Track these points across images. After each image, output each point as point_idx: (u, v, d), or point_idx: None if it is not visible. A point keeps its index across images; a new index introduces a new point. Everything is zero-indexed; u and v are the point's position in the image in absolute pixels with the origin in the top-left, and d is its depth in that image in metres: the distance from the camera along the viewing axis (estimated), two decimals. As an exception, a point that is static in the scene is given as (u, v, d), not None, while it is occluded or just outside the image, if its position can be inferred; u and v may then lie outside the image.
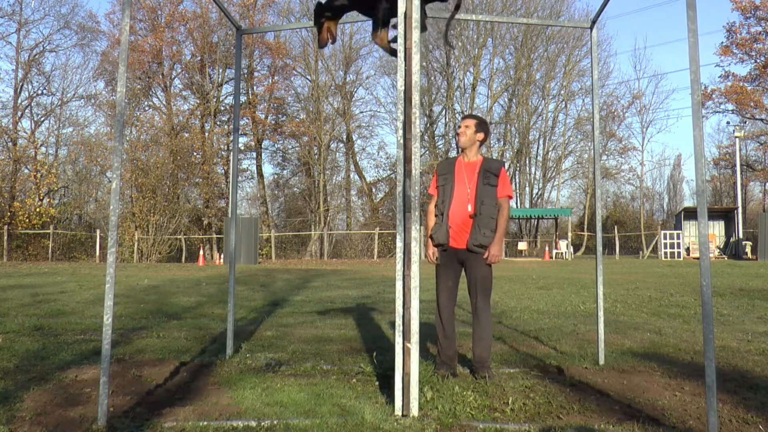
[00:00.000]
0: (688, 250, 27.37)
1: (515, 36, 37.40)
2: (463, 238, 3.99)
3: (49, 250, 26.22)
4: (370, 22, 3.73)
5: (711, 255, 21.33)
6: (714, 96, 36.69)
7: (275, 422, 2.96)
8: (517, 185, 40.80)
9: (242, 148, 34.24)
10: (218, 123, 34.73)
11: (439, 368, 4.00)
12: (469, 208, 3.99)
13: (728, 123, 35.87)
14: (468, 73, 37.96)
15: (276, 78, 35.35)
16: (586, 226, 38.49)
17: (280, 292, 10.29)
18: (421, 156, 2.91)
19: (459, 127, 4.17)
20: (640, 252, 33.66)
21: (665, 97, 70.29)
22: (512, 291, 10.10)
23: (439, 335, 4.04)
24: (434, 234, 4.07)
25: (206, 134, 32.92)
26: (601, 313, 4.28)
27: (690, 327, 6.06)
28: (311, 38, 36.27)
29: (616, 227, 32.77)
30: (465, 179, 4.06)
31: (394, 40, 3.57)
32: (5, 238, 25.76)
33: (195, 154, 31.32)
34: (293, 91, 37.56)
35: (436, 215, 4.14)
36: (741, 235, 27.49)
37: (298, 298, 9.14)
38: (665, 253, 26.42)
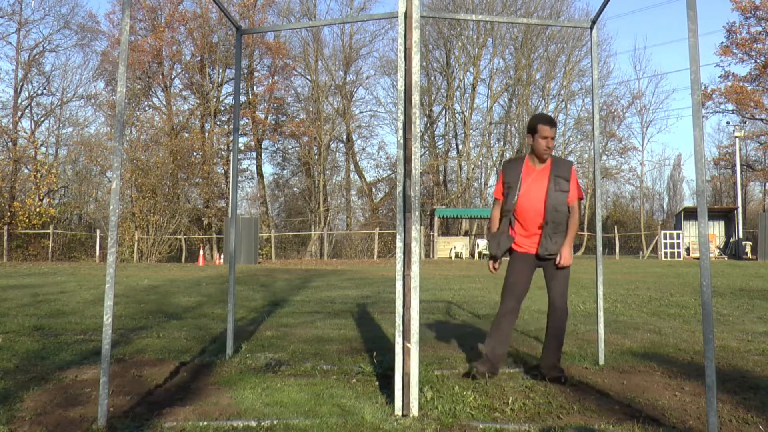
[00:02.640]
0: (688, 250, 27.36)
1: (515, 36, 37.45)
2: (533, 244, 3.90)
3: (49, 250, 26.21)
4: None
5: (711, 255, 21.33)
6: (714, 96, 36.73)
7: (275, 422, 2.96)
8: (517, 185, 40.77)
9: (242, 148, 34.24)
10: (218, 123, 34.77)
11: (481, 365, 3.86)
12: (540, 217, 3.85)
13: (728, 123, 35.91)
14: (468, 73, 38.04)
15: (276, 78, 35.42)
16: (586, 226, 38.45)
17: (280, 292, 10.29)
18: (421, 156, 2.90)
19: (546, 139, 3.91)
20: (640, 252, 33.65)
21: (665, 97, 70.68)
22: (512, 291, 10.09)
23: (493, 332, 3.90)
24: (490, 245, 3.98)
25: (206, 134, 32.94)
26: (601, 313, 4.28)
27: (690, 327, 6.06)
28: (311, 38, 36.34)
29: (616, 227, 32.75)
30: (535, 185, 3.91)
31: None
32: (5, 238, 25.75)
33: (195, 154, 31.34)
34: (293, 91, 37.66)
35: (501, 220, 4.01)
36: (741, 235, 27.49)
37: (298, 298, 9.13)
38: (665, 253, 26.41)
